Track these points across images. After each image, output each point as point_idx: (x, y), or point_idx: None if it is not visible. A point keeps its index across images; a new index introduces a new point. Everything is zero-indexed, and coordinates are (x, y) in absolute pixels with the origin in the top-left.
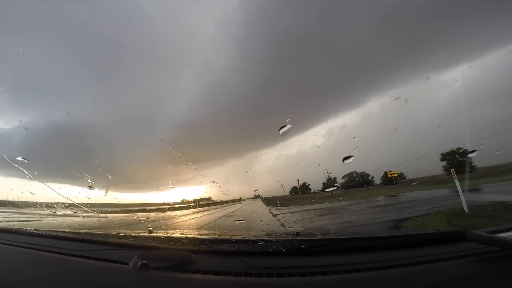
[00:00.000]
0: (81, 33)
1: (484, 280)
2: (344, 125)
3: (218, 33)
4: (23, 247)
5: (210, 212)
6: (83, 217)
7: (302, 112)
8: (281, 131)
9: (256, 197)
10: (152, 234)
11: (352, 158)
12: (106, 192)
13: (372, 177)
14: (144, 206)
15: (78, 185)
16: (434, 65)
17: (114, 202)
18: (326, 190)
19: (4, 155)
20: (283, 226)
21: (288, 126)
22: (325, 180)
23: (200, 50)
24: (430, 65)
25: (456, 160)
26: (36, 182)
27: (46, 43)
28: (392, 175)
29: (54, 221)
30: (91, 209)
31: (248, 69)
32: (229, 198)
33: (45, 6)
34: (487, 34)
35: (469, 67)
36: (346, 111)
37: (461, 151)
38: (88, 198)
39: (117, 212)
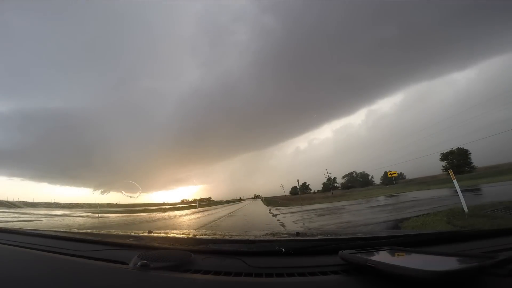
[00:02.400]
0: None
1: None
2: (345, 127)
3: (235, 54)
4: (23, 247)
5: (210, 212)
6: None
7: (303, 114)
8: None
9: (256, 197)
10: (152, 234)
11: None
12: (107, 193)
13: (372, 177)
14: (144, 206)
15: (77, 186)
16: (434, 70)
17: (115, 202)
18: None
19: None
20: (283, 226)
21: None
22: (325, 180)
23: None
24: (430, 70)
25: (456, 160)
26: (36, 182)
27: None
28: (392, 175)
29: (54, 221)
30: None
31: (258, 84)
32: (229, 198)
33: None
34: (481, 41)
35: (467, 71)
36: (348, 113)
37: (460, 151)
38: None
39: (118, 212)
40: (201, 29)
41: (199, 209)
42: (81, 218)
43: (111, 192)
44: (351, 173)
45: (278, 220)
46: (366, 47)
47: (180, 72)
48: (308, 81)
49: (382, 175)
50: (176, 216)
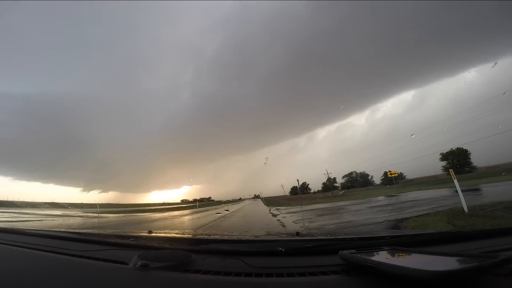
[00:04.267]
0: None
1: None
2: (345, 127)
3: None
4: (23, 247)
5: (210, 212)
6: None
7: (304, 114)
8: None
9: (256, 197)
10: (152, 234)
11: None
12: (106, 192)
13: (372, 177)
14: (144, 206)
15: (75, 186)
16: (434, 72)
17: (116, 202)
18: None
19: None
20: (283, 226)
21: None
22: (325, 180)
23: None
24: (430, 72)
25: (456, 160)
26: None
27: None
28: (392, 175)
29: (54, 221)
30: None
31: (261, 90)
32: (229, 198)
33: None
34: (482, 43)
35: (469, 72)
36: (348, 114)
37: (460, 151)
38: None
39: (118, 212)
40: (225, 51)
41: (199, 209)
42: (81, 218)
43: (110, 192)
44: (351, 173)
45: (278, 220)
46: (370, 51)
47: (188, 76)
48: (309, 83)
49: (382, 175)
50: (176, 216)
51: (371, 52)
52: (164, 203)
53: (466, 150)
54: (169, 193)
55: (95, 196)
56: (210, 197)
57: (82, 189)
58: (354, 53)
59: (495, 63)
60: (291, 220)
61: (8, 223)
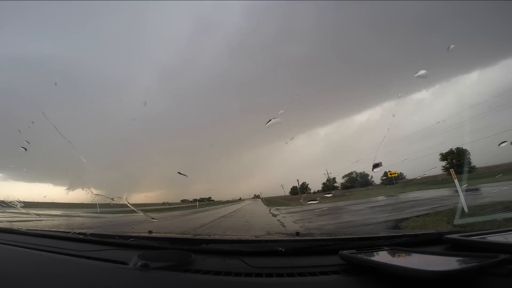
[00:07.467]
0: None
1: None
2: (346, 127)
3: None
4: (23, 247)
5: (210, 212)
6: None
7: (303, 113)
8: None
9: (256, 197)
10: (152, 234)
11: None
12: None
13: (372, 177)
14: (144, 206)
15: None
16: (435, 73)
17: (115, 203)
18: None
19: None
20: (283, 226)
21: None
22: (324, 180)
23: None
24: (430, 73)
25: (456, 160)
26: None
27: None
28: (392, 175)
29: (54, 221)
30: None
31: (260, 87)
32: (229, 198)
33: None
34: (484, 43)
35: (470, 72)
36: (348, 113)
37: (460, 151)
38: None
39: (117, 212)
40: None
41: (199, 209)
42: (81, 218)
43: (108, 190)
44: (351, 173)
45: (278, 220)
46: (373, 52)
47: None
48: (310, 84)
49: (382, 175)
50: (176, 216)
51: (376, 54)
52: (164, 202)
53: (466, 150)
54: (169, 193)
55: (90, 195)
56: (210, 197)
57: (67, 187)
58: (356, 54)
59: (495, 63)
60: (291, 220)
61: (8, 223)
